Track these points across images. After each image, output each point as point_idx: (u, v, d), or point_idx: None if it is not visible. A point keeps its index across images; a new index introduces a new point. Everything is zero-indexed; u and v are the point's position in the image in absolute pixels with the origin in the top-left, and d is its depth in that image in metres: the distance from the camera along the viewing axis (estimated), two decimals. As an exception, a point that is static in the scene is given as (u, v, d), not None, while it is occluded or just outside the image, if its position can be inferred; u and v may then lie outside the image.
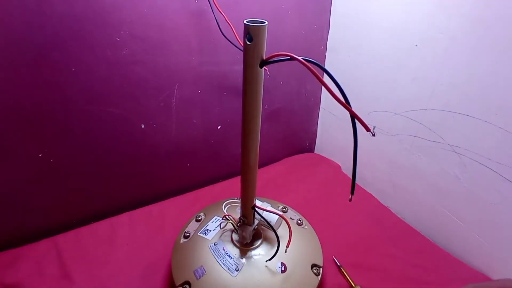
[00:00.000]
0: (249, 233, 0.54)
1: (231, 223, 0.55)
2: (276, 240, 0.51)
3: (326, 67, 0.87)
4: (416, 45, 0.62)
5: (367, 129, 0.28)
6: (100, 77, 0.57)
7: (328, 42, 0.83)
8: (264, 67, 0.39)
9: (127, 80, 0.60)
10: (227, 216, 0.55)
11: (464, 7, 0.53)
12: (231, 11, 0.62)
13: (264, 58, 0.37)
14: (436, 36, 0.58)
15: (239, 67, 0.39)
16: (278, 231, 0.52)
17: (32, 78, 0.52)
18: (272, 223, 0.51)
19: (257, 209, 0.52)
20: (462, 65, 0.55)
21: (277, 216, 0.52)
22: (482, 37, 0.52)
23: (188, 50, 0.64)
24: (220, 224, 0.59)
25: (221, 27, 0.61)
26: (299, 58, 0.31)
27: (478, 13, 0.51)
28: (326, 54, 0.85)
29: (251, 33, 0.35)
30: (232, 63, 0.70)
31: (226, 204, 0.62)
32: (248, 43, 0.36)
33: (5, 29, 0.48)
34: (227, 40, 0.62)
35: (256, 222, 0.54)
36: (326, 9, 0.79)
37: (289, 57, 0.33)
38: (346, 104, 0.30)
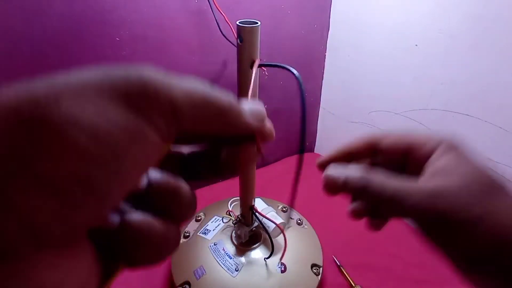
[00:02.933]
0: (244, 233, 0.54)
1: (230, 219, 0.55)
2: (274, 243, 0.51)
3: (326, 67, 0.87)
4: (416, 45, 0.62)
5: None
6: (100, 77, 0.57)
7: (328, 42, 0.83)
8: (262, 67, 0.39)
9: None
10: (230, 212, 0.55)
11: (464, 6, 0.53)
12: (230, 11, 0.62)
13: (255, 59, 0.37)
14: (436, 35, 0.58)
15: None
16: (281, 222, 0.51)
17: (31, 78, 0.52)
18: (270, 230, 0.51)
19: (256, 213, 0.52)
20: (462, 65, 0.55)
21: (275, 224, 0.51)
22: (482, 37, 0.52)
23: (188, 49, 0.64)
24: (222, 219, 0.59)
25: (220, 27, 0.61)
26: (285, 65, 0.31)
27: (478, 12, 0.51)
28: (326, 53, 0.85)
29: (241, 34, 0.35)
30: (232, 63, 0.70)
31: (233, 201, 0.62)
32: (240, 43, 0.36)
33: (5, 29, 0.48)
34: (226, 40, 0.62)
35: (256, 223, 0.54)
36: (326, 8, 0.79)
37: (276, 65, 0.33)
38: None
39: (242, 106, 0.17)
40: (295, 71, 0.31)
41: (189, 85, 0.14)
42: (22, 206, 0.10)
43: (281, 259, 0.51)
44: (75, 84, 0.12)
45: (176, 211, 0.16)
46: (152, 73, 0.13)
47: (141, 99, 0.13)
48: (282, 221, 0.52)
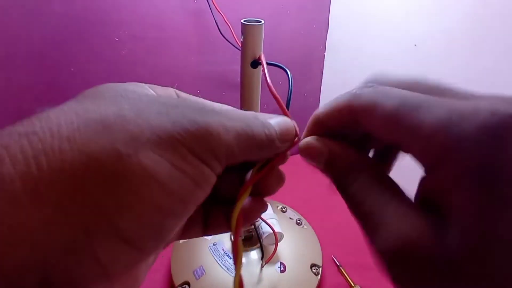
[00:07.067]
0: None
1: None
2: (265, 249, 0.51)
3: (325, 67, 0.87)
4: (415, 45, 0.62)
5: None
6: (100, 77, 0.57)
7: (327, 42, 0.83)
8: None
9: (126, 80, 0.60)
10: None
11: (464, 6, 0.53)
12: (230, 11, 0.62)
13: (257, 59, 0.37)
14: (436, 35, 0.58)
15: (238, 67, 0.39)
16: (278, 233, 0.51)
17: (31, 78, 0.52)
18: (264, 235, 0.50)
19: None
20: (462, 65, 0.55)
21: (270, 231, 0.50)
22: (482, 37, 0.52)
23: (187, 50, 0.64)
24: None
25: (219, 27, 0.61)
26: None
27: (478, 12, 0.51)
28: (325, 53, 0.85)
29: (243, 32, 0.35)
30: (231, 63, 0.70)
31: None
32: (243, 41, 0.36)
33: (4, 29, 0.48)
34: (225, 40, 0.62)
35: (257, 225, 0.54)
36: (325, 8, 0.79)
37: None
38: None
39: (274, 131, 0.18)
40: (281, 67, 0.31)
41: (237, 125, 0.15)
42: (100, 253, 0.12)
43: (267, 261, 0.51)
44: (149, 134, 0.13)
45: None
46: (211, 121, 0.14)
47: (204, 149, 0.14)
48: (280, 231, 0.50)
